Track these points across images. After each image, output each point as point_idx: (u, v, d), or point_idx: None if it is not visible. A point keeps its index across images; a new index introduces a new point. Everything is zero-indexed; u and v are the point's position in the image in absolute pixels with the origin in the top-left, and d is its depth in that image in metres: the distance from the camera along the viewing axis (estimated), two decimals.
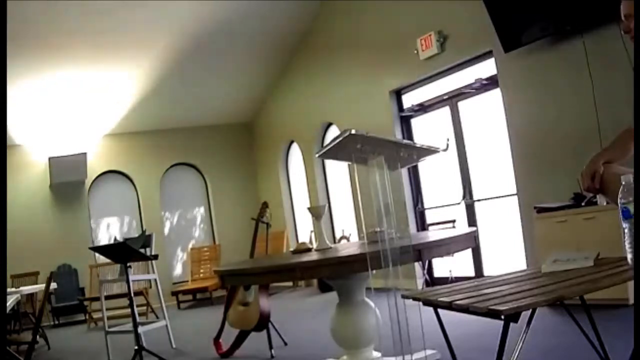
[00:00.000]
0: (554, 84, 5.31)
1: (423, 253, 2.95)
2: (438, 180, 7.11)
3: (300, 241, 8.28)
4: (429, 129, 7.15)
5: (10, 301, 4.74)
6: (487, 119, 6.29)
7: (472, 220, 6.50)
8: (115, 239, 5.99)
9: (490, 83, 6.11)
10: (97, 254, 8.48)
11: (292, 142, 10.19)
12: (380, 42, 7.41)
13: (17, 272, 8.84)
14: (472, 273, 6.49)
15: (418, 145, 3.26)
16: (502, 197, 6.20)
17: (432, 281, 6.98)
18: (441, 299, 2.08)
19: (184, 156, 10.80)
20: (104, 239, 10.17)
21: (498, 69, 5.87)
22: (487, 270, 6.34)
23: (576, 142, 5.07)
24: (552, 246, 4.45)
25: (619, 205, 1.72)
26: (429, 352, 3.37)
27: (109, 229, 10.35)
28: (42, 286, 5.48)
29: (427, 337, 2.96)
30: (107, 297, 7.13)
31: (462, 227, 6.37)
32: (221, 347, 4.91)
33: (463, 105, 6.61)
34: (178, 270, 10.68)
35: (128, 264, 4.77)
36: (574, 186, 4.68)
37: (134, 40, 8.11)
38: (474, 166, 6.56)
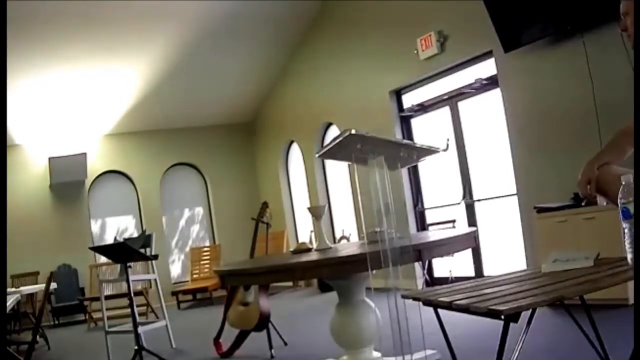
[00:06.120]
0: (554, 84, 5.31)
1: (423, 253, 2.95)
2: (438, 180, 7.11)
3: (300, 241, 8.27)
4: (429, 129, 7.15)
5: (10, 301, 4.74)
6: (487, 119, 6.29)
7: (472, 220, 6.50)
8: (115, 239, 5.98)
9: (490, 83, 6.11)
10: (97, 254, 8.50)
11: (292, 142, 10.18)
12: (380, 42, 7.41)
13: (17, 272, 8.85)
14: (472, 273, 6.49)
15: (418, 145, 3.25)
16: (502, 197, 6.20)
17: (432, 281, 6.98)
18: (441, 299, 2.07)
19: (184, 156, 10.80)
20: (104, 239, 10.17)
21: (498, 69, 5.86)
22: (487, 270, 6.34)
23: (576, 142, 5.07)
24: (552, 246, 4.44)
25: (619, 205, 1.72)
26: (429, 352, 3.37)
27: (109, 229, 10.35)
28: (42, 286, 5.48)
29: (427, 337, 2.96)
30: (107, 297, 7.13)
31: (462, 227, 6.37)
32: (221, 347, 4.91)
33: (463, 105, 6.61)
34: (178, 270, 10.68)
35: (128, 264, 4.77)
36: (574, 186, 4.66)
37: (133, 40, 8.12)
38: (474, 166, 6.55)
